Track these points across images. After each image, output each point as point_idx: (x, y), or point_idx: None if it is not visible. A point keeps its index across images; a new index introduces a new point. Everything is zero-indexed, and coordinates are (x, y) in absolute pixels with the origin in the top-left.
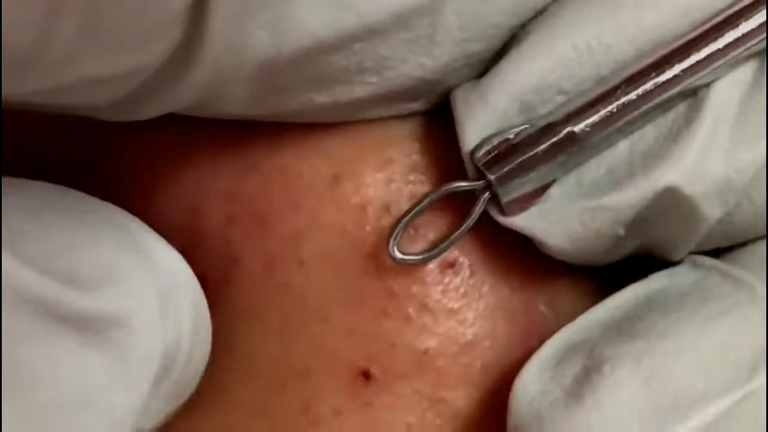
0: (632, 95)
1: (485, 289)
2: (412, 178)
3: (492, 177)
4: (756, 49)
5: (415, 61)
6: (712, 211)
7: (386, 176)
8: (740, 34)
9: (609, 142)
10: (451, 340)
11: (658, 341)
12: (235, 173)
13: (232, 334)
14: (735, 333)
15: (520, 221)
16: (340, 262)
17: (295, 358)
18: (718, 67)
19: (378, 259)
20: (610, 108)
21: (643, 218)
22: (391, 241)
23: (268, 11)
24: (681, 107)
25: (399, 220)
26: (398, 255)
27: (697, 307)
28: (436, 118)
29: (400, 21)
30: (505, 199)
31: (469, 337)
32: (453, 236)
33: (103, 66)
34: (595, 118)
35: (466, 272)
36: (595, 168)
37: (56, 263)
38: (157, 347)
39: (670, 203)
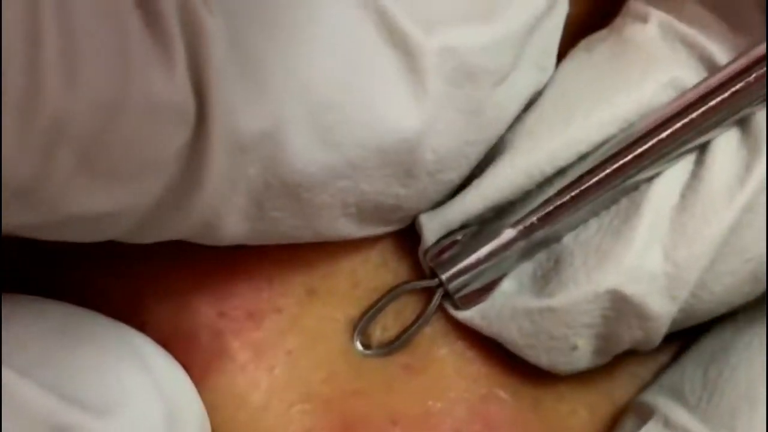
0: (569, 196)
1: (447, 382)
2: (378, 284)
3: (443, 276)
4: (694, 144)
5: (391, 192)
6: (660, 308)
7: (355, 292)
8: (671, 132)
9: (554, 238)
10: (416, 413)
11: None
12: (227, 278)
13: (214, 419)
14: None
15: (473, 316)
16: (320, 353)
17: None
18: (654, 164)
19: (347, 353)
20: (550, 209)
21: (596, 321)
22: (355, 336)
23: (262, 151)
24: (623, 202)
25: (361, 318)
26: (360, 348)
27: None
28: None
29: (382, 158)
30: (456, 296)
31: (430, 410)
32: (409, 331)
33: (100, 202)
34: (536, 218)
35: (430, 366)
36: (545, 260)
37: (68, 387)
38: None
39: (617, 304)
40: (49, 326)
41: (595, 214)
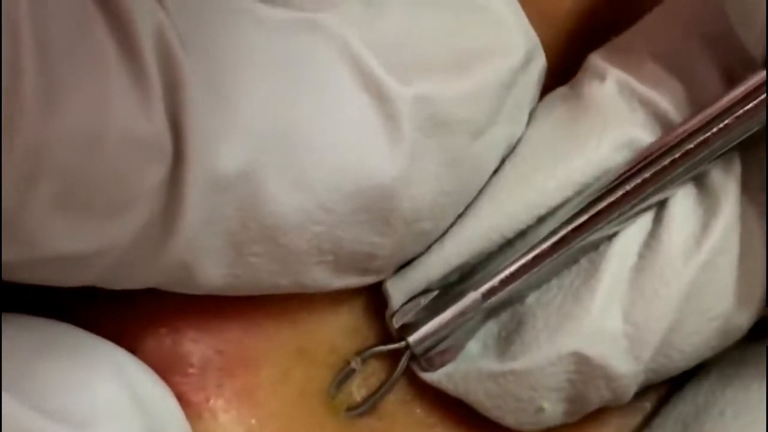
0: (529, 257)
1: None
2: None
3: (410, 339)
4: (650, 203)
5: (367, 240)
6: (625, 367)
7: (328, 357)
8: (626, 192)
9: (516, 298)
10: None
11: None
12: (221, 320)
13: None
14: None
15: (440, 378)
16: (303, 412)
17: None
18: (611, 223)
19: (319, 415)
20: (511, 270)
21: (561, 385)
22: (330, 394)
23: (238, 191)
24: (583, 262)
25: (334, 379)
26: (331, 412)
27: None
28: (374, 297)
29: (358, 204)
30: (423, 358)
31: None
32: (377, 394)
33: (77, 238)
34: (497, 280)
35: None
36: (508, 321)
37: (50, 401)
38: None
39: (580, 366)
40: (30, 339)
41: (556, 273)
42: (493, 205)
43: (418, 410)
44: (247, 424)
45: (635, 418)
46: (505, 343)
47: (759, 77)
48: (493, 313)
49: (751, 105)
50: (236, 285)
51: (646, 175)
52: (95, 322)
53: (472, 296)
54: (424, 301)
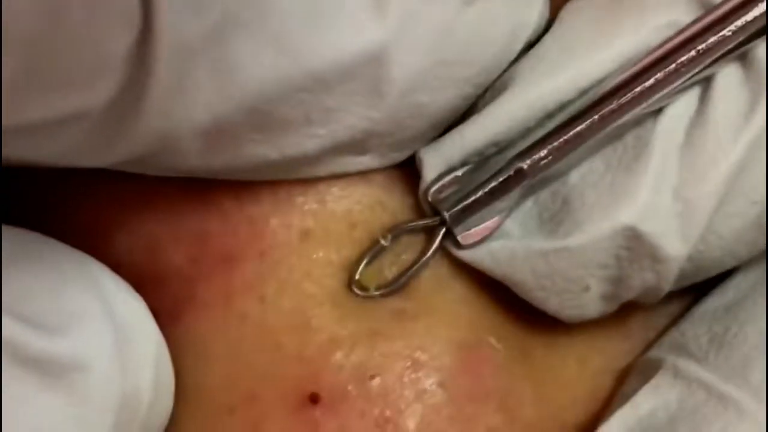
0: (573, 132)
1: (437, 331)
2: (376, 225)
3: (446, 214)
4: (697, 78)
5: (361, 113)
6: (672, 248)
7: (353, 233)
8: (673, 68)
9: (557, 175)
10: (399, 364)
11: None
12: (201, 217)
13: (180, 365)
14: None
15: (483, 257)
16: (301, 298)
17: (244, 384)
18: (656, 100)
19: (336, 295)
20: (555, 144)
21: (610, 262)
22: (354, 279)
23: (210, 55)
24: (629, 139)
25: (360, 259)
26: (357, 291)
27: None
28: (396, 172)
29: (344, 72)
30: (460, 236)
31: (417, 360)
32: (408, 273)
33: (48, 107)
34: (541, 153)
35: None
36: (551, 202)
37: (21, 307)
38: (115, 393)
39: (632, 242)
40: (3, 248)
41: (599, 149)
42: (534, 77)
43: (448, 293)
44: (239, 323)
45: (640, 329)
46: (551, 223)
47: None
48: (531, 190)
49: None
50: (218, 159)
51: (691, 52)
52: (68, 225)
53: (514, 168)
54: (461, 173)
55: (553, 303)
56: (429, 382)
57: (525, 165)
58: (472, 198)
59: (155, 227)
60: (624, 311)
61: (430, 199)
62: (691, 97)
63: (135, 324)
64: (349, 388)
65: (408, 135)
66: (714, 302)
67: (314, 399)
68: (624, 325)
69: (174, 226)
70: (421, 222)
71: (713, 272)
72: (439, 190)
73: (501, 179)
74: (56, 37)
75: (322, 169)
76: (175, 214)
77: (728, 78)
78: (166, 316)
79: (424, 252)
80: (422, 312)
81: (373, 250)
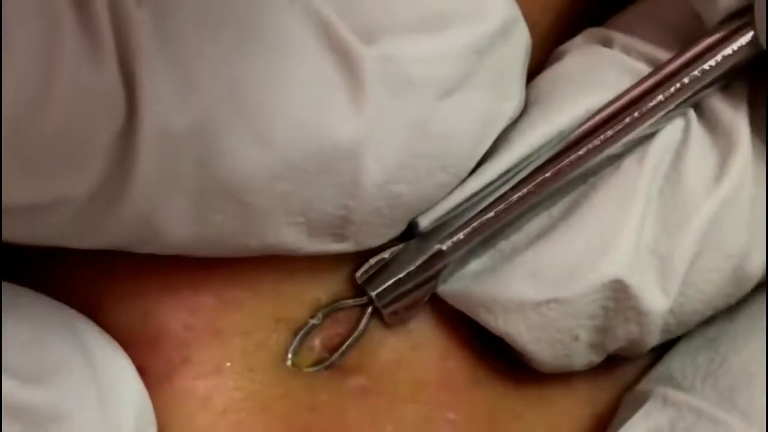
0: (489, 215)
1: (400, 405)
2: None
3: (372, 293)
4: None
5: (339, 202)
6: (655, 303)
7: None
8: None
9: (474, 254)
10: None
11: None
12: (194, 291)
13: (169, 419)
14: None
15: (478, 311)
16: (281, 372)
17: None
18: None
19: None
20: (474, 225)
21: (597, 313)
22: (289, 351)
23: (193, 145)
24: (611, 186)
25: (295, 334)
26: (290, 364)
27: None
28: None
29: (321, 165)
30: (386, 312)
31: None
32: (342, 349)
33: (31, 193)
34: (460, 235)
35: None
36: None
37: (4, 357)
38: None
39: (618, 293)
40: None
41: (527, 220)
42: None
43: (410, 368)
44: (229, 387)
45: (608, 391)
46: (543, 271)
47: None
48: (478, 251)
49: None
50: (201, 244)
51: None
52: (63, 289)
53: (434, 250)
54: (387, 255)
55: (546, 354)
56: None
57: (444, 246)
58: (397, 276)
59: (149, 298)
60: (588, 375)
61: (358, 279)
62: (668, 151)
63: (116, 375)
64: None
65: (386, 222)
66: (696, 338)
67: None
68: (590, 390)
69: (168, 298)
70: (348, 301)
71: (693, 325)
72: (366, 272)
73: (423, 259)
74: (40, 126)
75: (297, 252)
76: (169, 285)
77: (696, 144)
78: (158, 375)
79: (352, 330)
80: (383, 389)
81: (305, 329)
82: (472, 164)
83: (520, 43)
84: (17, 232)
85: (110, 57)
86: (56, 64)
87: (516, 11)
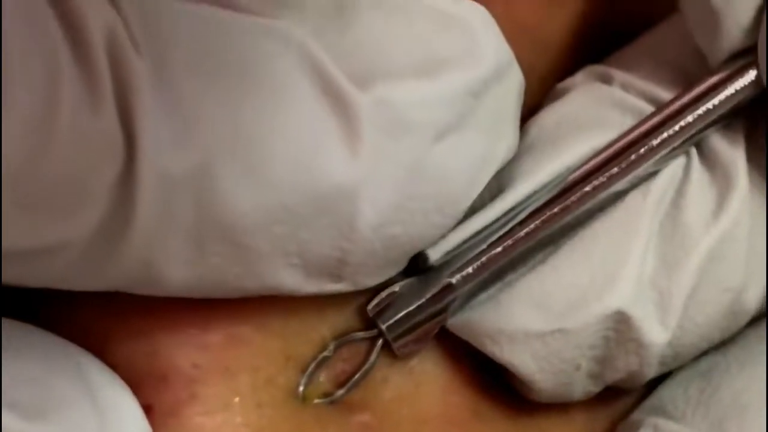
0: (497, 249)
1: None
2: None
3: (382, 326)
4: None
5: (335, 244)
6: (654, 335)
7: (320, 348)
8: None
9: (483, 288)
10: None
11: None
12: (202, 329)
13: None
14: None
15: (483, 340)
16: (290, 408)
17: None
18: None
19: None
20: (482, 259)
21: (598, 343)
22: (301, 386)
23: (192, 187)
24: (614, 222)
25: (306, 368)
26: (301, 396)
27: None
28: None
29: (317, 207)
30: (396, 344)
31: None
32: (351, 381)
33: (32, 236)
34: (469, 269)
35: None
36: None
37: (7, 393)
38: None
39: (619, 324)
40: None
41: (534, 255)
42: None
43: (413, 406)
44: (238, 423)
45: (602, 422)
46: (548, 301)
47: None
48: (487, 285)
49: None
50: (202, 286)
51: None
52: (70, 326)
53: (445, 282)
54: (397, 288)
55: (548, 384)
56: None
57: (454, 280)
58: (407, 309)
59: (156, 336)
60: (586, 407)
61: (370, 314)
62: (670, 187)
63: (120, 412)
64: None
65: (381, 263)
66: (688, 370)
67: None
68: (593, 420)
69: (175, 336)
70: (359, 334)
71: (689, 358)
72: (378, 305)
73: (431, 293)
74: (40, 172)
75: (295, 292)
76: (176, 323)
77: (696, 182)
78: (164, 412)
79: (363, 362)
80: (386, 426)
81: (316, 361)
82: (467, 205)
83: (514, 85)
84: (17, 276)
85: (108, 102)
86: (55, 108)
87: (509, 54)
